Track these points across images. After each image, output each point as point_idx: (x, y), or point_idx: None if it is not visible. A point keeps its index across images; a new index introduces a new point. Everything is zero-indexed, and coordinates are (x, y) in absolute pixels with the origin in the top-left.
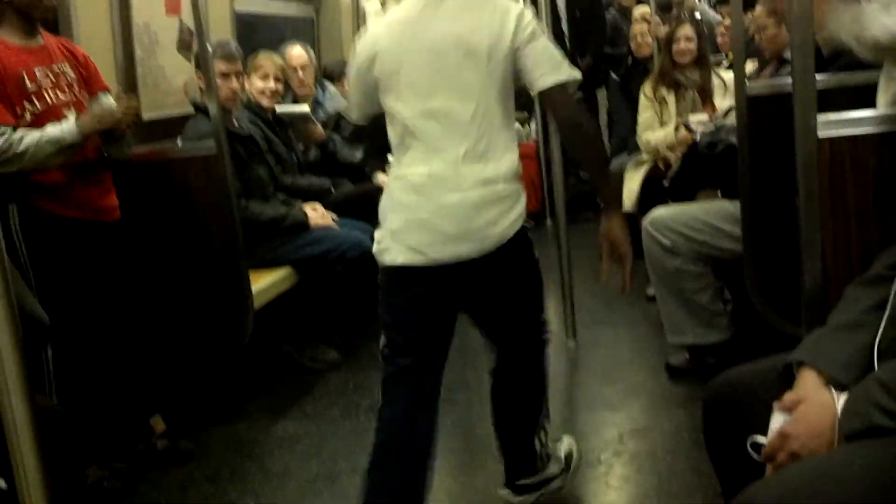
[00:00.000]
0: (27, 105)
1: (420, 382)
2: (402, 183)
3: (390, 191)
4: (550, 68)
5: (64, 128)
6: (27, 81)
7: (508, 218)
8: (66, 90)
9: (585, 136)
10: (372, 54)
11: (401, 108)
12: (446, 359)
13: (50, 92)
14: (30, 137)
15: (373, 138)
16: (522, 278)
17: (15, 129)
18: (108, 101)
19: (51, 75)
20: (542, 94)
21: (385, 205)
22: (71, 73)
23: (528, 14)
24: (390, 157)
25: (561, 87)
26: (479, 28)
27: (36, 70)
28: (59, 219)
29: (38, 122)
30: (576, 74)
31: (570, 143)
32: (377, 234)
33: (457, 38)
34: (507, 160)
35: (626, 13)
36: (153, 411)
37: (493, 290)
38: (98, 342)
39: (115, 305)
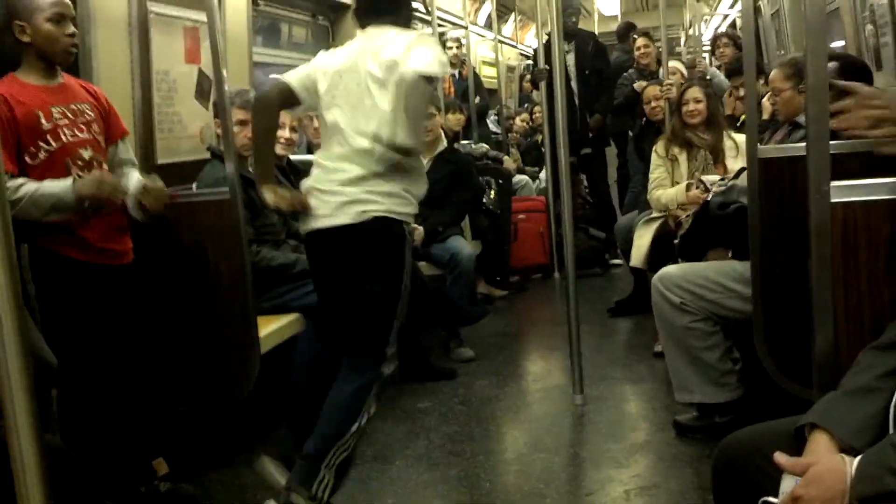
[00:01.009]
0: (42, 144)
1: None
2: None
3: None
4: None
5: (62, 186)
6: (42, 120)
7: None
8: (84, 129)
9: None
10: None
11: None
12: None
13: (66, 130)
14: (26, 188)
15: None
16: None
17: (13, 176)
18: (127, 147)
19: (68, 114)
20: None
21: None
22: (90, 113)
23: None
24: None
25: None
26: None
27: (53, 109)
28: (70, 261)
29: (53, 160)
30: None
31: None
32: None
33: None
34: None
35: (643, 74)
36: (156, 453)
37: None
38: (104, 383)
39: (123, 347)
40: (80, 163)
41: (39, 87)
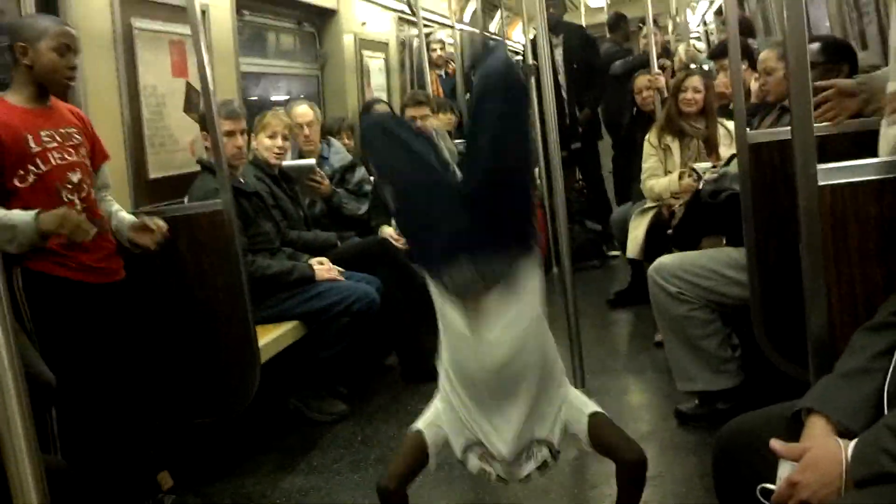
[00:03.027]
0: (31, 167)
1: None
2: None
3: None
4: None
5: (24, 218)
6: (31, 143)
7: None
8: (73, 152)
9: None
10: None
11: None
12: None
13: (55, 153)
14: None
15: (377, 192)
16: None
17: None
18: (106, 172)
19: (57, 137)
20: None
21: None
22: (78, 137)
23: None
24: None
25: None
26: None
27: (42, 132)
28: (63, 281)
29: (43, 183)
30: None
31: None
32: None
33: None
34: None
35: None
36: (160, 467)
37: None
38: (105, 399)
39: (122, 362)
40: (69, 186)
41: (28, 110)
